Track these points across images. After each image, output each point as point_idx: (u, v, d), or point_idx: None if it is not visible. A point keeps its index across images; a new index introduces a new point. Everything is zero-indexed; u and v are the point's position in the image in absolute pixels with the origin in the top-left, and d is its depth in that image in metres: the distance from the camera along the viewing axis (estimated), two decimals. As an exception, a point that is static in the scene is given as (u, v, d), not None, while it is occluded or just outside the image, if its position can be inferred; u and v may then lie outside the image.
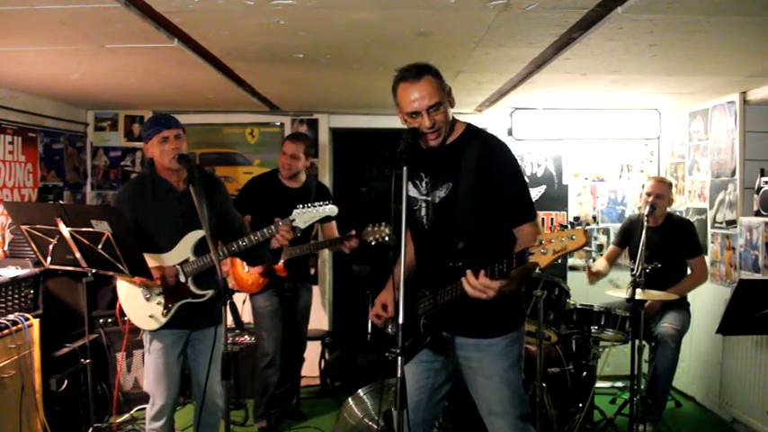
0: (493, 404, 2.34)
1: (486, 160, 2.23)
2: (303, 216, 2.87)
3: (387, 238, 3.64)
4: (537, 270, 2.33)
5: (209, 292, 2.86)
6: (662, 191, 4.07)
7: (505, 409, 2.32)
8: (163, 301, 2.83)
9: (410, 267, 2.54)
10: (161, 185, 2.88)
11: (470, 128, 2.35)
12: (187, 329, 2.93)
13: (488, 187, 2.22)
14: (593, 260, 5.19)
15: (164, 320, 2.83)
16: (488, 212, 2.24)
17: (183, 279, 2.84)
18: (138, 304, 2.86)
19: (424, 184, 2.37)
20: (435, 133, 2.24)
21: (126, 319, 2.97)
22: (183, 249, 2.85)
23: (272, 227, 2.87)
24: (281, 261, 3.81)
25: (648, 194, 4.08)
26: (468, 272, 2.04)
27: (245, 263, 3.81)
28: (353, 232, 3.68)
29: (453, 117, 2.32)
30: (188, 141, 2.91)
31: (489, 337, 2.32)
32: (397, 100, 2.27)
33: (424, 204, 2.37)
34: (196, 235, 2.85)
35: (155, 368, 2.88)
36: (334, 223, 4.17)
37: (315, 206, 2.88)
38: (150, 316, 2.84)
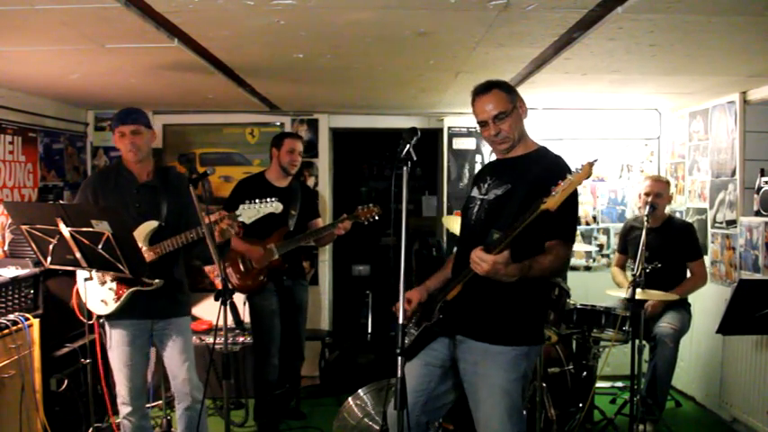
0: (491, 418, 2.33)
1: (548, 174, 2.29)
2: (248, 212, 2.93)
3: (377, 217, 3.71)
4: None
5: (157, 282, 2.90)
6: (660, 189, 4.07)
7: (502, 426, 2.31)
8: (114, 287, 2.91)
9: (446, 279, 2.58)
10: (124, 175, 3.04)
11: (543, 148, 2.50)
12: (147, 319, 3.01)
13: (541, 197, 2.24)
14: (594, 260, 5.20)
15: (114, 306, 2.91)
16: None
17: None
18: (92, 288, 2.95)
19: (486, 186, 2.49)
20: (502, 142, 2.43)
21: (91, 318, 3.06)
22: (138, 238, 2.90)
23: (216, 219, 2.91)
24: (278, 255, 3.81)
25: (647, 194, 4.07)
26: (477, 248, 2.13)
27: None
28: (345, 215, 3.73)
29: (528, 136, 2.49)
30: (153, 134, 3.08)
31: (499, 344, 2.33)
32: (474, 113, 2.49)
33: (479, 202, 2.49)
34: (151, 225, 2.95)
35: (117, 358, 2.98)
36: (320, 220, 4.21)
37: (260, 202, 2.94)
38: (102, 300, 2.93)
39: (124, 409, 2.99)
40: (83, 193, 3.05)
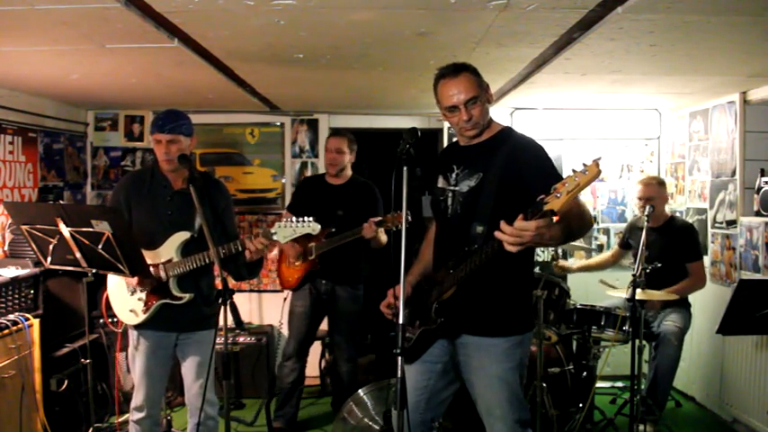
0: (492, 406, 2.35)
1: (518, 154, 2.29)
2: (283, 230, 2.79)
3: (399, 226, 3.56)
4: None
5: (187, 296, 2.84)
6: (652, 193, 4.08)
7: (504, 413, 2.33)
8: (144, 297, 2.86)
9: (426, 267, 2.58)
10: (158, 181, 2.94)
11: (507, 128, 2.44)
12: (173, 332, 2.93)
13: (517, 178, 2.23)
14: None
15: (143, 317, 2.85)
16: (512, 202, 2.14)
17: (164, 278, 2.83)
18: (122, 297, 2.90)
19: (454, 175, 2.43)
20: (472, 128, 2.34)
21: (114, 318, 3.00)
22: (169, 249, 2.86)
23: (251, 237, 2.82)
24: (314, 255, 3.84)
25: (640, 199, 4.12)
26: (502, 222, 1.95)
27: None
28: (376, 219, 3.72)
29: (491, 118, 2.42)
30: (193, 141, 2.94)
31: (492, 336, 2.34)
32: (437, 97, 2.38)
33: (450, 194, 2.43)
34: (182, 236, 2.86)
35: (138, 366, 2.91)
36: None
37: (296, 222, 2.80)
38: (131, 310, 2.87)
39: (135, 415, 2.91)
40: (115, 197, 2.97)
